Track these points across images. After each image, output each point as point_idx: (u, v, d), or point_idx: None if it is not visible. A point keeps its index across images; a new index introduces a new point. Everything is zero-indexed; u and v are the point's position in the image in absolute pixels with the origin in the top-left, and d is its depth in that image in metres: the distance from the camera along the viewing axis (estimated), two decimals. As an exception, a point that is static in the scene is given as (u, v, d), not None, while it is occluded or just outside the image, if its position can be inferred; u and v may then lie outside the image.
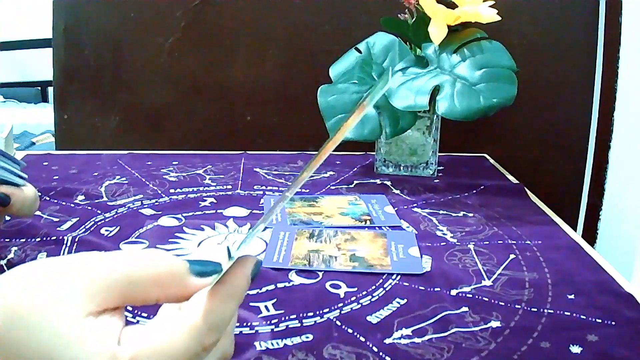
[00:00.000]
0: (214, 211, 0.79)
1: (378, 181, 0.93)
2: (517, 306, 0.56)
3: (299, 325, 0.52)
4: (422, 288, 0.59)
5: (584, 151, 1.13)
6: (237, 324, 0.52)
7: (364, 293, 0.58)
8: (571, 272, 0.63)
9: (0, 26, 2.72)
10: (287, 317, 0.53)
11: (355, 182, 0.92)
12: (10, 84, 2.82)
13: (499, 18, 0.85)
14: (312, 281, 0.60)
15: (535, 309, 0.55)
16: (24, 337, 0.28)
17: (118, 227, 0.73)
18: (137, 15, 1.12)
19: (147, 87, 1.16)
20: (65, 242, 0.67)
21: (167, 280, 0.31)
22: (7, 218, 0.71)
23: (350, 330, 0.52)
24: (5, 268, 0.61)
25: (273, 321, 0.53)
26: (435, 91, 0.82)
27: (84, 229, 0.72)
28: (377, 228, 0.74)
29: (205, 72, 1.14)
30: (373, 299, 0.57)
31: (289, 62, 1.14)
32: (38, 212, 0.76)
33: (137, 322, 0.52)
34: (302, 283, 0.60)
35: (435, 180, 0.93)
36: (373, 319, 0.54)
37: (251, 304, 0.55)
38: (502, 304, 0.56)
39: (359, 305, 0.56)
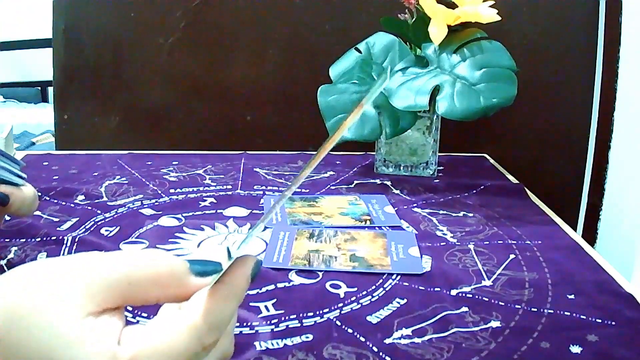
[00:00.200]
0: (214, 211, 0.79)
1: (378, 181, 0.93)
2: (517, 306, 0.56)
3: (299, 325, 0.52)
4: (422, 288, 0.59)
5: (584, 151, 1.13)
6: (237, 324, 0.52)
7: (364, 293, 0.58)
8: (571, 272, 0.63)
9: (0, 26, 2.72)
10: (287, 317, 0.53)
11: (355, 182, 0.92)
12: (10, 84, 2.82)
13: (499, 18, 0.85)
14: (312, 281, 0.60)
15: (535, 309, 0.55)
16: (24, 337, 0.28)
17: (118, 227, 0.73)
18: (137, 15, 1.12)
19: (147, 87, 1.16)
20: (65, 242, 0.67)
21: (167, 280, 0.31)
22: (7, 218, 0.71)
23: (350, 330, 0.52)
24: (5, 268, 0.61)
25: (273, 321, 0.53)
26: (435, 91, 0.82)
27: (84, 229, 0.72)
28: (377, 228, 0.74)
29: (205, 72, 1.14)
30: (373, 299, 0.57)
31: (289, 62, 1.14)
32: (38, 212, 0.76)
33: (137, 322, 0.52)
34: (302, 283, 0.60)
35: (435, 180, 0.93)
36: (373, 319, 0.54)
37: (251, 304, 0.55)
38: (502, 304, 0.56)
39: (359, 305, 0.56)
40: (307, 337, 0.50)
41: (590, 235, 1.12)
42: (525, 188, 0.90)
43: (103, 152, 1.06)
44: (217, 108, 1.16)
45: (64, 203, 0.80)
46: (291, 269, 0.62)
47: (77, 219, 0.75)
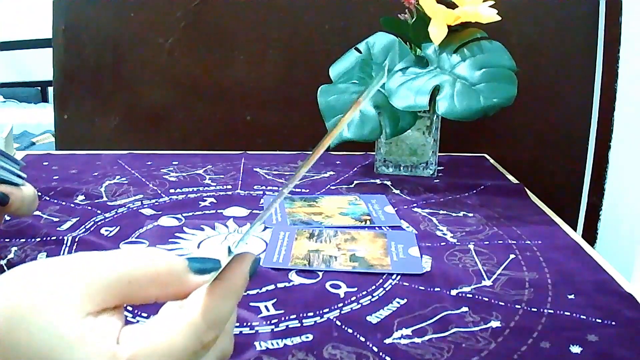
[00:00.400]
0: (214, 211, 0.79)
1: (378, 181, 0.93)
2: (517, 306, 0.56)
3: (299, 325, 0.52)
4: (422, 288, 0.59)
5: (584, 151, 1.13)
6: (237, 324, 0.52)
7: (364, 293, 0.58)
8: (571, 272, 0.63)
9: (0, 26, 2.72)
10: (287, 317, 0.53)
11: (355, 182, 0.92)
12: (10, 84, 2.82)
13: (499, 18, 0.85)
14: (312, 281, 0.60)
15: (535, 309, 0.55)
16: (23, 337, 0.28)
17: (118, 227, 0.73)
18: (137, 15, 1.12)
19: (147, 87, 1.16)
20: (65, 242, 0.67)
21: (166, 279, 0.31)
22: (7, 218, 0.71)
23: (350, 330, 0.52)
24: (5, 268, 0.61)
25: (273, 321, 0.53)
26: (435, 91, 0.82)
27: (84, 229, 0.72)
28: (377, 228, 0.74)
29: (205, 72, 1.14)
30: (373, 299, 0.57)
31: (289, 62, 1.14)
32: (38, 212, 0.76)
33: (137, 322, 0.52)
34: (302, 283, 0.60)
35: (435, 180, 0.93)
36: (373, 319, 0.54)
37: (251, 304, 0.55)
38: (502, 304, 0.56)
39: (359, 305, 0.56)
40: (307, 337, 0.50)
41: (590, 235, 1.12)
42: (525, 188, 0.90)
43: (103, 152, 1.06)
44: (217, 108, 1.16)
45: (64, 203, 0.80)
46: (291, 269, 0.62)
47: (77, 219, 0.75)
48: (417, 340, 0.50)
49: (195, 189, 0.87)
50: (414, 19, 0.91)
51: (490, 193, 0.88)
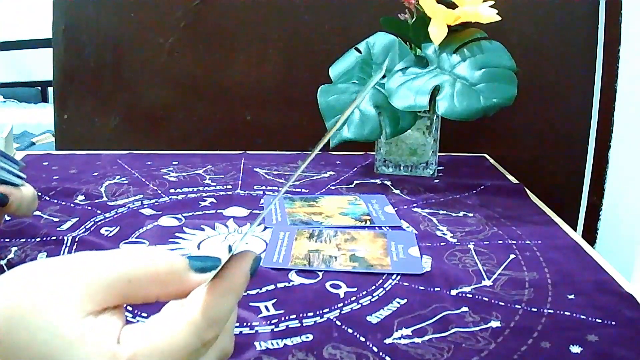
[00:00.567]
0: (214, 211, 0.79)
1: (378, 181, 0.93)
2: (517, 306, 0.56)
3: (299, 325, 0.52)
4: (422, 288, 0.59)
5: (584, 151, 1.13)
6: (237, 324, 0.52)
7: (364, 293, 0.58)
8: (571, 272, 0.63)
9: (0, 26, 2.72)
10: (287, 317, 0.53)
11: (355, 182, 0.92)
12: (10, 84, 2.82)
13: (499, 18, 0.85)
14: (312, 281, 0.60)
15: (535, 309, 0.55)
16: (24, 337, 0.28)
17: (118, 227, 0.73)
18: (137, 15, 1.12)
19: (147, 87, 1.16)
20: (65, 242, 0.67)
21: (167, 278, 0.31)
22: (7, 218, 0.71)
23: (350, 330, 0.52)
24: (5, 268, 0.61)
25: (273, 321, 0.53)
26: (435, 91, 0.82)
27: (84, 229, 0.72)
28: (377, 228, 0.74)
29: (205, 72, 1.14)
30: (373, 299, 0.57)
31: (289, 62, 1.14)
32: (38, 212, 0.76)
33: (137, 322, 0.52)
34: (302, 283, 0.60)
35: (435, 180, 0.93)
36: (373, 319, 0.54)
37: (251, 304, 0.55)
38: (502, 304, 0.56)
39: (359, 305, 0.56)
40: (307, 337, 0.50)
41: (590, 235, 1.12)
42: (525, 188, 0.90)
43: (103, 152, 1.06)
44: (217, 108, 1.16)
45: (64, 203, 0.80)
46: (291, 269, 0.62)
47: (77, 219, 0.75)
48: (417, 340, 0.50)
49: (195, 189, 0.87)
50: (414, 19, 0.91)
51: (490, 193, 0.88)
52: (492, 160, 1.07)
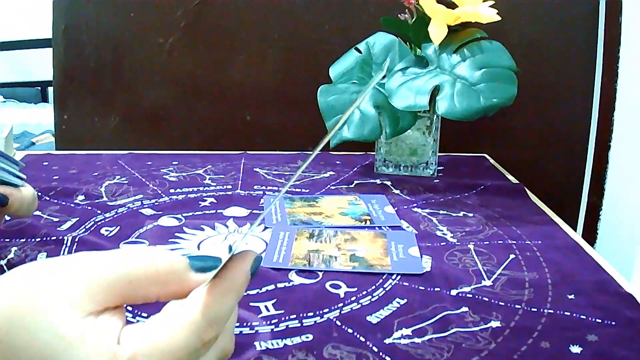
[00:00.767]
0: (214, 211, 0.79)
1: (378, 181, 0.93)
2: (517, 306, 0.56)
3: (299, 325, 0.52)
4: (422, 288, 0.59)
5: (584, 151, 1.13)
6: (237, 324, 0.52)
7: (364, 293, 0.58)
8: (571, 272, 0.63)
9: (0, 26, 2.72)
10: (287, 317, 0.53)
11: (355, 182, 0.92)
12: (10, 84, 2.82)
13: (499, 18, 0.85)
14: (312, 281, 0.60)
15: (535, 309, 0.55)
16: (24, 337, 0.28)
17: (118, 227, 0.73)
18: (137, 15, 1.12)
19: (147, 87, 1.16)
20: (65, 242, 0.67)
21: (167, 278, 0.31)
22: (7, 218, 0.71)
23: (350, 330, 0.52)
24: (5, 268, 0.61)
25: (273, 321, 0.53)
26: (435, 91, 0.82)
27: (84, 229, 0.72)
28: (377, 228, 0.74)
29: (205, 72, 1.14)
30: (373, 299, 0.57)
31: (289, 62, 1.14)
32: (38, 212, 0.76)
33: (137, 322, 0.52)
34: (302, 283, 0.60)
35: (435, 180, 0.93)
36: (373, 319, 0.54)
37: (251, 304, 0.55)
38: (502, 304, 0.56)
39: (359, 305, 0.56)
40: (307, 337, 0.50)
41: (590, 235, 1.12)
42: (525, 188, 0.90)
43: (103, 152, 1.06)
44: (217, 108, 1.16)
45: (64, 203, 0.80)
46: (291, 269, 0.62)
47: (77, 219, 0.75)
48: (417, 340, 0.50)
49: (195, 189, 0.87)
50: (414, 19, 0.91)
51: (490, 193, 0.88)
52: (492, 160, 1.07)
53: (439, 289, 0.59)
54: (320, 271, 0.62)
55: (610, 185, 1.09)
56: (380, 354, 0.48)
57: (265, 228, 0.73)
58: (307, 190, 0.88)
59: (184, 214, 0.77)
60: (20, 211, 0.53)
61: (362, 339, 0.50)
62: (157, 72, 1.14)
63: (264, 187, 0.89)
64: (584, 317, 0.54)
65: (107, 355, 0.28)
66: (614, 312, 0.55)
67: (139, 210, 0.78)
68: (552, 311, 0.55)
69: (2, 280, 0.30)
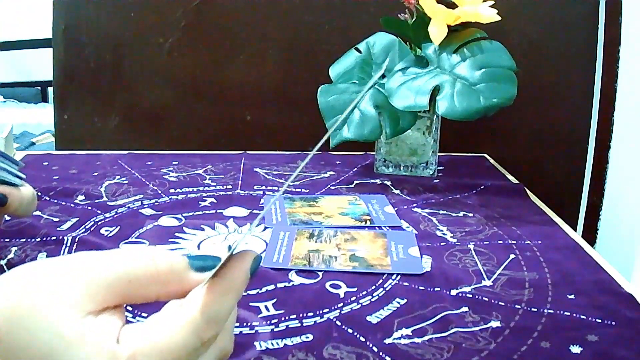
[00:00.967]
0: (214, 211, 0.79)
1: (378, 181, 0.93)
2: (517, 306, 0.56)
3: (299, 325, 0.52)
4: (422, 288, 0.59)
5: (584, 151, 1.13)
6: (237, 324, 0.52)
7: (364, 293, 0.58)
8: (571, 272, 0.63)
9: (0, 26, 2.73)
10: (287, 317, 0.53)
11: (355, 182, 0.92)
12: (10, 84, 2.82)
13: (499, 18, 0.85)
14: (312, 281, 0.60)
15: (535, 309, 0.55)
16: (24, 337, 0.28)
17: (118, 227, 0.73)
18: (137, 15, 1.12)
19: (147, 87, 1.16)
20: (65, 242, 0.67)
21: (167, 277, 0.31)
22: (7, 218, 0.71)
23: (350, 330, 0.52)
24: (5, 268, 0.61)
25: (273, 321, 0.53)
26: (435, 91, 0.82)
27: (84, 229, 0.72)
28: (377, 228, 0.74)
29: (205, 72, 1.14)
30: (373, 299, 0.57)
31: (289, 62, 1.14)
32: (38, 212, 0.76)
33: (137, 322, 0.52)
34: (302, 283, 0.60)
35: (435, 180, 0.93)
36: (373, 319, 0.54)
37: (251, 304, 0.55)
38: (502, 304, 0.56)
39: (359, 305, 0.56)
40: (307, 337, 0.50)
41: (590, 235, 1.12)
42: (525, 188, 0.90)
43: (103, 152, 1.06)
44: (217, 108, 1.16)
45: (64, 203, 0.80)
46: (291, 269, 0.62)
47: (77, 219, 0.75)
48: (417, 340, 0.50)
49: (195, 189, 0.87)
50: (414, 19, 0.91)
51: (490, 193, 0.88)
52: (492, 160, 1.07)
53: (439, 289, 0.59)
54: (320, 271, 0.62)
55: (610, 185, 1.09)
56: (380, 354, 0.48)
57: (265, 228, 0.73)
58: (307, 190, 0.88)
59: (184, 214, 0.77)
60: (19, 210, 0.53)
61: (362, 339, 0.50)
62: (157, 72, 1.14)
63: (264, 187, 0.89)
64: (584, 317, 0.54)
65: (107, 355, 0.28)
66: (614, 312, 0.55)
67: (139, 210, 0.78)
68: (552, 311, 0.55)
69: (2, 280, 0.30)
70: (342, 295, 0.58)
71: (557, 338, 0.51)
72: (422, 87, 0.83)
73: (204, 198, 0.84)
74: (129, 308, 0.53)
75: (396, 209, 0.81)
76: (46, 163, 0.99)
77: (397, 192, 0.88)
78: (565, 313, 0.55)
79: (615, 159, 1.07)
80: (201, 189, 0.88)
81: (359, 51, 0.95)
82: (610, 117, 1.07)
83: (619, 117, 1.06)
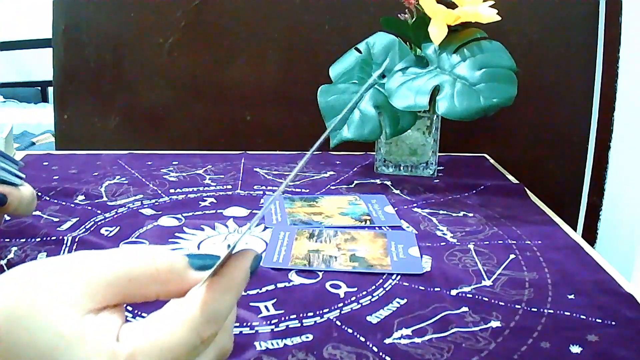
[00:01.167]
0: (214, 211, 0.79)
1: (378, 181, 0.93)
2: (517, 306, 0.56)
3: (299, 325, 0.52)
4: (422, 288, 0.59)
5: (584, 151, 1.13)
6: (237, 324, 0.52)
7: (364, 293, 0.58)
8: (571, 272, 0.63)
9: (0, 26, 2.73)
10: (287, 317, 0.53)
11: (355, 182, 0.92)
12: (10, 84, 2.82)
13: (499, 18, 0.85)
14: (312, 281, 0.60)
15: (535, 309, 0.55)
16: (24, 336, 0.28)
17: (118, 227, 0.73)
18: (137, 15, 1.12)
19: (147, 87, 1.15)
20: (65, 242, 0.67)
21: (167, 276, 0.31)
22: (7, 218, 0.71)
23: (350, 330, 0.52)
24: (5, 268, 0.61)
25: (273, 321, 0.53)
26: (435, 91, 0.82)
27: (84, 229, 0.72)
28: (377, 228, 0.74)
29: (205, 72, 1.14)
30: (373, 299, 0.57)
31: (289, 62, 1.14)
32: (38, 212, 0.76)
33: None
34: (302, 283, 0.60)
35: (435, 180, 0.93)
36: (373, 319, 0.54)
37: (251, 304, 0.55)
38: (502, 304, 0.56)
39: (359, 305, 0.56)
40: (307, 337, 0.50)
41: (590, 235, 1.12)
42: (525, 188, 0.90)
43: (103, 152, 1.06)
44: (217, 108, 1.16)
45: (64, 203, 0.80)
46: (291, 269, 0.62)
47: (77, 219, 0.75)
48: (417, 340, 0.50)
49: (195, 189, 0.87)
50: (414, 19, 0.91)
51: (490, 193, 0.88)
52: (492, 160, 1.07)
53: (439, 289, 0.59)
54: (320, 271, 0.62)
55: (610, 185, 1.09)
56: (380, 354, 0.48)
57: (265, 228, 0.73)
58: (307, 190, 0.88)
59: (184, 214, 0.77)
60: (19, 210, 0.53)
61: (362, 339, 0.50)
62: (157, 72, 1.14)
63: (264, 187, 0.89)
64: (584, 317, 0.54)
65: (107, 353, 0.28)
66: (614, 312, 0.55)
67: (139, 210, 0.78)
68: (552, 311, 0.55)
69: (1, 280, 0.30)
70: (342, 295, 0.57)
71: (557, 338, 0.51)
72: (422, 87, 0.83)
73: (204, 198, 0.84)
74: (129, 307, 0.53)
75: (396, 209, 0.81)
76: (46, 163, 0.99)
77: (397, 192, 0.88)
78: (565, 313, 0.55)
79: (615, 159, 1.07)
80: (201, 189, 0.88)
81: (359, 51, 0.95)
82: (610, 117, 1.07)
83: (619, 117, 1.06)
